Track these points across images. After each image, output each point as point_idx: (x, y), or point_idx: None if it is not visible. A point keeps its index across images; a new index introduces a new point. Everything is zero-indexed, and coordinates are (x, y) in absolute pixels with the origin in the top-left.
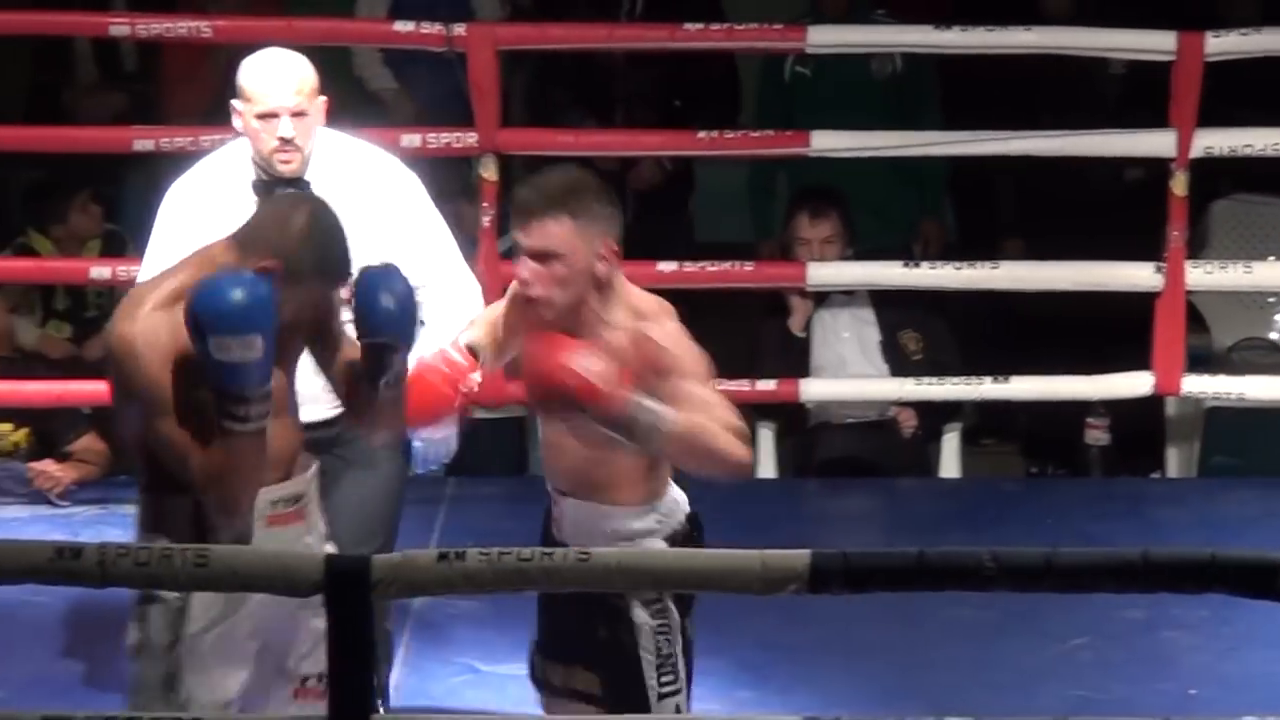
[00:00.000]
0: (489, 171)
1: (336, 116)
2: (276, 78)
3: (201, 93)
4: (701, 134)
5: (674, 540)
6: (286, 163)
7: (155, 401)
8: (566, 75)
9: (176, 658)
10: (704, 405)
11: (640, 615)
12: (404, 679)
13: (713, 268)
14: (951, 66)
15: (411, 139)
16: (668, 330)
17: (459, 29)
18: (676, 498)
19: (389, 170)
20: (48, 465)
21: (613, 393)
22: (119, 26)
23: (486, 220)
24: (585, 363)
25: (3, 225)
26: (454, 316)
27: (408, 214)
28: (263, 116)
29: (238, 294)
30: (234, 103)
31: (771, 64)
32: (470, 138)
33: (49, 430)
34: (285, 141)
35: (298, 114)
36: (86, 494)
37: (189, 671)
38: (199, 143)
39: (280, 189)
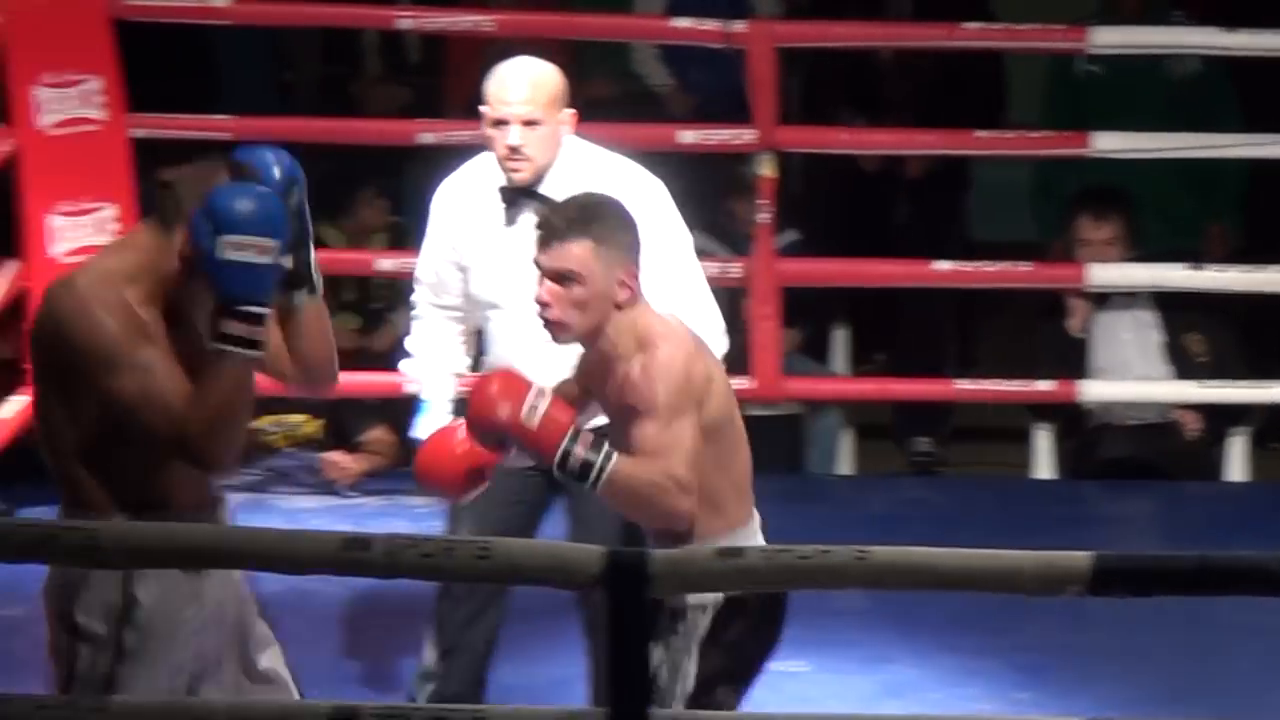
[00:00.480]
0: (768, 169)
1: (613, 112)
2: (511, 86)
3: (479, 86)
4: (979, 133)
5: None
6: (515, 171)
7: (116, 357)
8: (838, 74)
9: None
10: (653, 453)
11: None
12: None
13: (990, 268)
14: (1249, 68)
15: (689, 135)
16: (651, 364)
17: (738, 26)
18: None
19: (632, 185)
20: (338, 456)
21: (542, 434)
22: (405, 20)
23: (764, 218)
24: (526, 400)
25: None
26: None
27: (646, 231)
28: (496, 123)
29: (261, 198)
30: (481, 107)
31: (1061, 62)
32: (748, 134)
33: (341, 421)
34: (513, 150)
35: (529, 123)
36: (374, 485)
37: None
38: (480, 136)
39: (522, 197)
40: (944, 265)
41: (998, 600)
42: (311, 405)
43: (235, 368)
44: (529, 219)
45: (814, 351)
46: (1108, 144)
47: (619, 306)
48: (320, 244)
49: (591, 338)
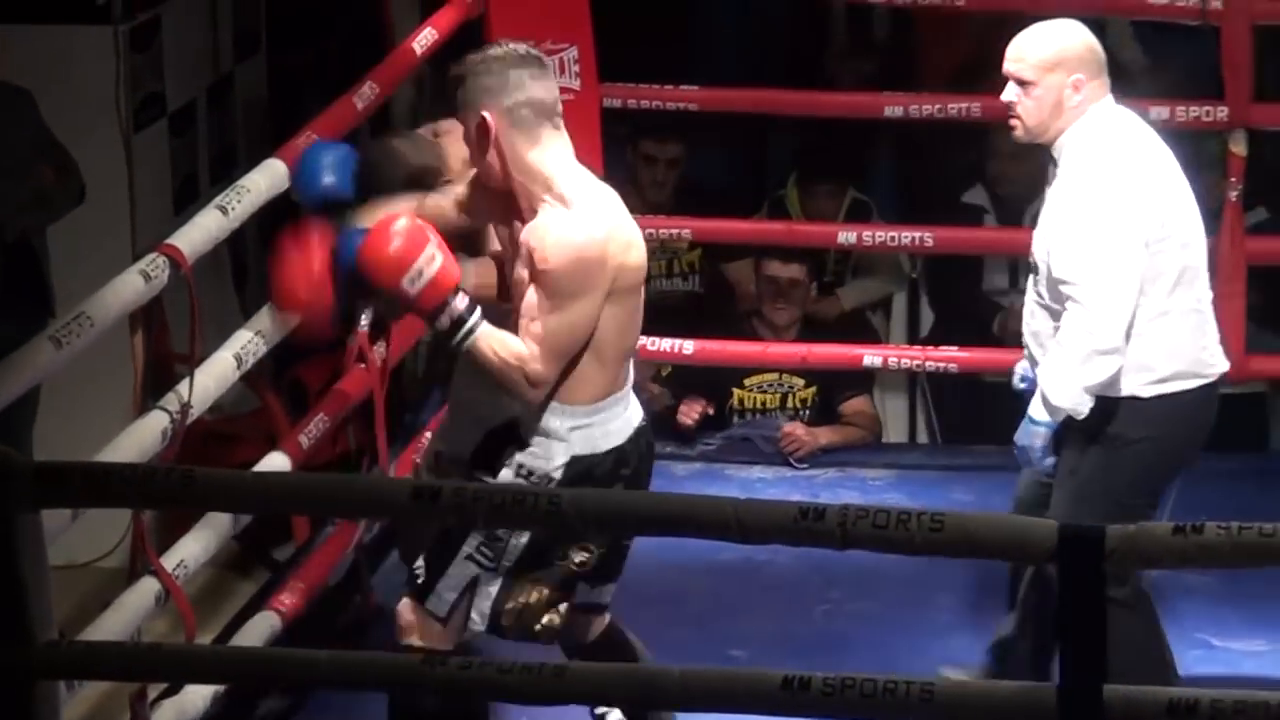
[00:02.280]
0: (1239, 146)
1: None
2: (1014, 44)
3: (951, 59)
4: None
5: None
6: (1010, 128)
7: None
8: None
9: None
10: (524, 333)
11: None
12: None
13: None
14: None
15: (1160, 112)
16: (562, 225)
17: (1215, 2)
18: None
19: (1079, 177)
20: (795, 428)
21: (426, 295)
22: None
23: (1234, 195)
24: (419, 259)
25: (760, 187)
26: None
27: (1065, 222)
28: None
29: None
30: None
31: None
32: (1221, 112)
33: (828, 390)
34: (1007, 106)
35: (1020, 82)
36: (828, 457)
37: None
38: (947, 110)
39: (1051, 162)
40: None
41: None
42: (808, 371)
43: None
44: (1054, 183)
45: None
46: None
47: (483, 146)
48: (784, 211)
49: (500, 182)
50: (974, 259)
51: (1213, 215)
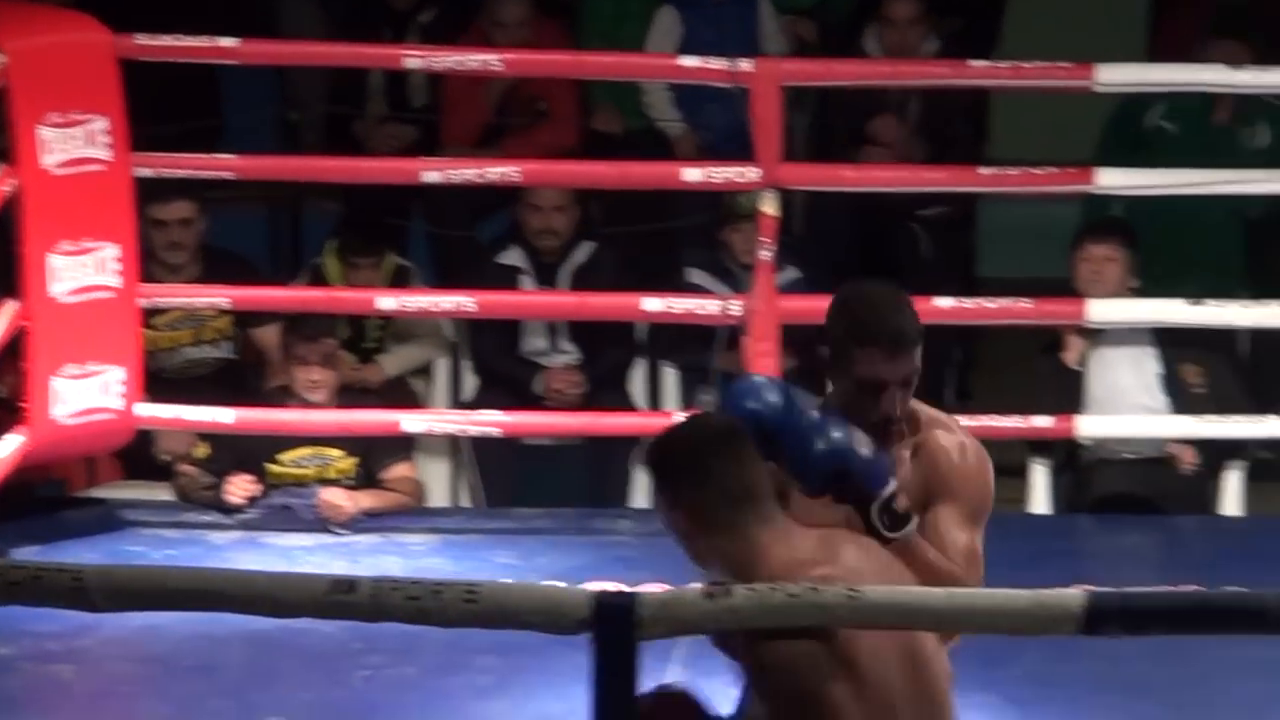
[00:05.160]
0: (770, 206)
1: (620, 150)
2: None
3: (474, 121)
4: (983, 170)
5: None
6: None
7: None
8: (845, 111)
9: None
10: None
11: None
12: None
13: (990, 304)
14: None
15: (694, 173)
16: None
17: (744, 64)
18: None
19: None
20: (333, 494)
21: None
22: (412, 59)
23: (766, 255)
24: None
25: (297, 254)
26: None
27: None
28: None
29: None
30: None
31: (1128, 111)
32: (752, 172)
33: (369, 458)
34: None
35: None
36: (369, 523)
37: None
38: (485, 174)
39: None
40: (945, 302)
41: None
42: (347, 441)
43: None
44: None
45: (813, 386)
46: (1112, 180)
47: None
48: (321, 278)
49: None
50: (512, 321)
51: (745, 273)
